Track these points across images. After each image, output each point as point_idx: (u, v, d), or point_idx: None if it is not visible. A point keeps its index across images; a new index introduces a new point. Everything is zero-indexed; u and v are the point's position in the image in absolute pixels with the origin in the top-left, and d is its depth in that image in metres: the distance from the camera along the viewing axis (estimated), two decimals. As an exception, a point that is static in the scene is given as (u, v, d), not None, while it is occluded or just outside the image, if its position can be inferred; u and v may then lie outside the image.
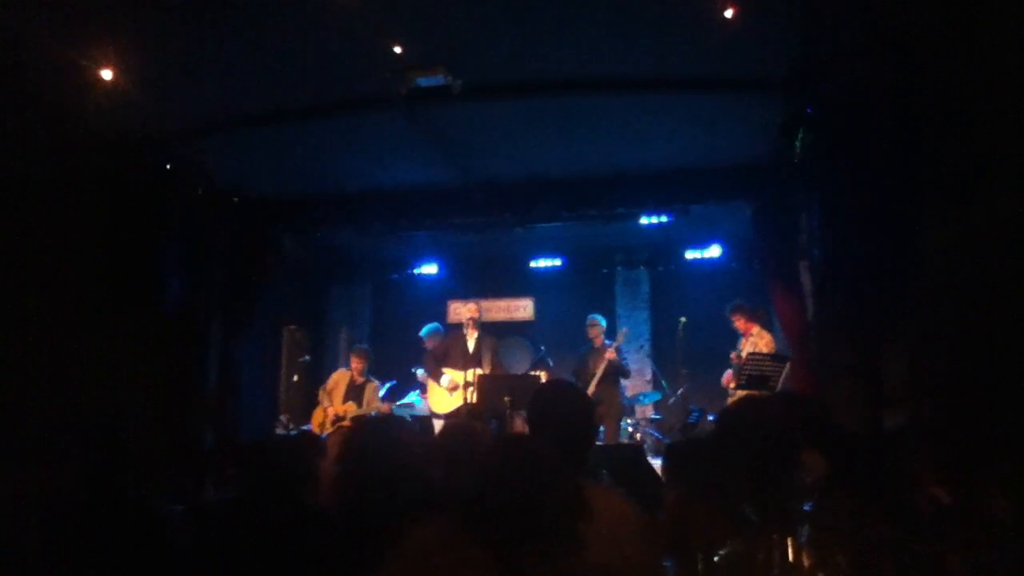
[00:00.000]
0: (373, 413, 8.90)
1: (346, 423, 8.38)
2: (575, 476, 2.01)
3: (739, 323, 7.86)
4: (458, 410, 7.89)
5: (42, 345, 6.24)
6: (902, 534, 2.18)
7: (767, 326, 8.01)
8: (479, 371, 7.87)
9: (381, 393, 8.89)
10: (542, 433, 2.59)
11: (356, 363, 8.71)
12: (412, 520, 2.00)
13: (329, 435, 8.29)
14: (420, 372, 9.20)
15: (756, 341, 7.59)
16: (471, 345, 8.22)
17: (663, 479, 3.66)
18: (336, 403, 8.52)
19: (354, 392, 8.57)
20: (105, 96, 5.93)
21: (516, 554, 1.80)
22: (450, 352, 8.34)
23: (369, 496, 2.60)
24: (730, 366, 7.80)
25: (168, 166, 7.51)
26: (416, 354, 9.46)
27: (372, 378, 8.77)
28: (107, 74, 5.70)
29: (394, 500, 2.45)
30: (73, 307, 6.51)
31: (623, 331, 9.50)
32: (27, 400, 5.95)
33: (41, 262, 6.34)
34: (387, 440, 2.78)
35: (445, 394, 8.26)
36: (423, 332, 9.40)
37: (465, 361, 8.02)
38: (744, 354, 7.47)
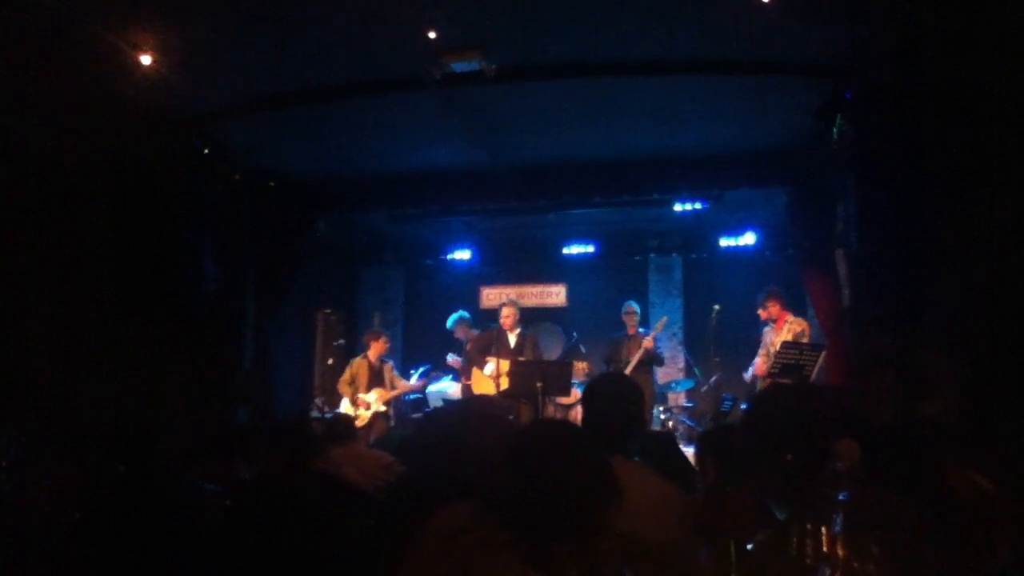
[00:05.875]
0: (411, 396, 8.94)
1: (384, 410, 8.42)
2: (606, 457, 2.00)
3: (773, 310, 7.75)
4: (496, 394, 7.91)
5: (75, 327, 6.33)
6: (938, 525, 2.15)
7: (797, 315, 7.93)
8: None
9: (415, 378, 8.97)
10: (596, 423, 2.78)
11: (376, 346, 8.70)
12: (440, 501, 2.01)
13: (364, 426, 8.32)
14: (451, 357, 9.24)
15: (794, 328, 7.50)
16: (512, 340, 8.24)
17: (695, 466, 3.64)
18: (362, 391, 8.55)
19: (376, 377, 8.60)
20: (142, 79, 5.99)
21: (541, 537, 1.80)
22: (491, 349, 8.32)
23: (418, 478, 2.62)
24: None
25: (205, 150, 7.58)
26: (449, 339, 9.49)
27: (386, 359, 8.79)
28: (144, 57, 5.75)
29: (432, 481, 2.46)
30: (108, 289, 6.59)
31: (663, 319, 9.48)
32: (64, 383, 6.05)
33: (75, 244, 6.43)
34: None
35: (489, 381, 8.24)
36: (449, 324, 9.42)
37: (508, 357, 8.04)
38: (779, 342, 7.40)
